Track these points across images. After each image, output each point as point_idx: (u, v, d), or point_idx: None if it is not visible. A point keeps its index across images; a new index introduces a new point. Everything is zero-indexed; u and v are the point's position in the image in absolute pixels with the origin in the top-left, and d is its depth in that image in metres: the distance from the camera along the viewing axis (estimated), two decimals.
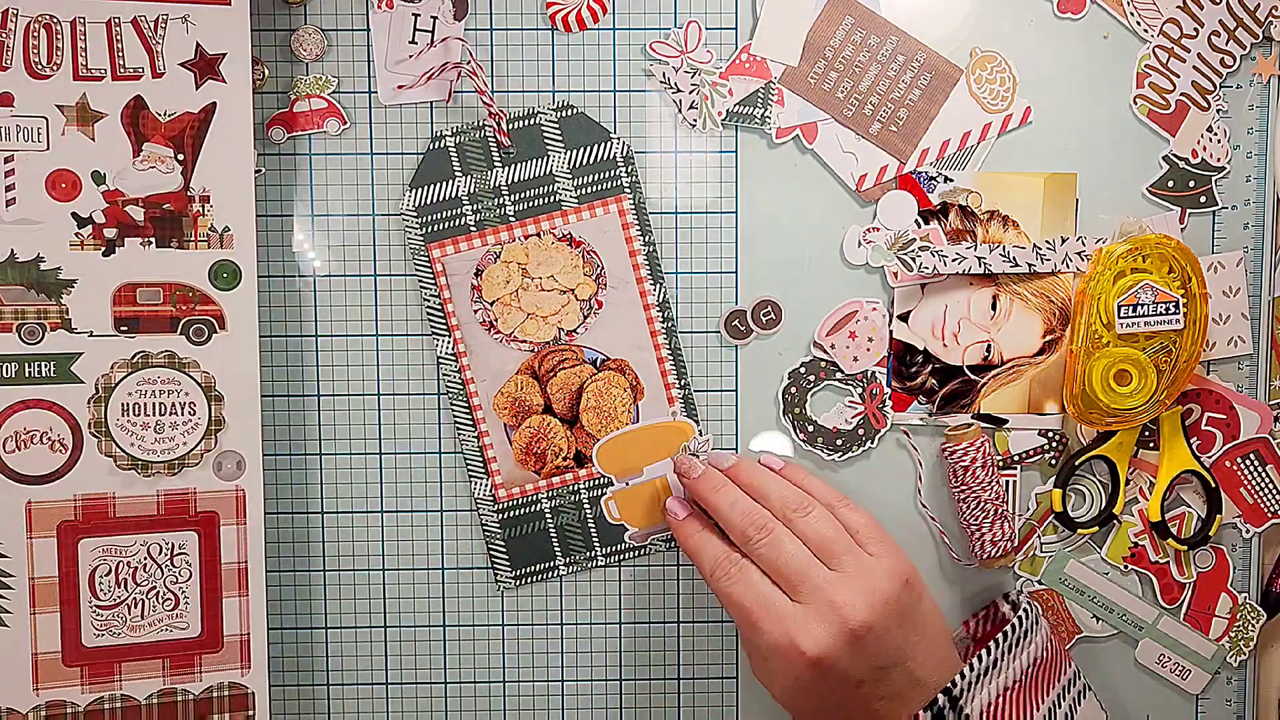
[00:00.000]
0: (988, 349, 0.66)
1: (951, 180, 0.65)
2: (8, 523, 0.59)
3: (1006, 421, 0.66)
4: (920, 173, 0.65)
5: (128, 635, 0.60)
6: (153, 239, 0.59)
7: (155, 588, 0.60)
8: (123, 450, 0.60)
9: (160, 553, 0.60)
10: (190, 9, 0.58)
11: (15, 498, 0.59)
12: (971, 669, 0.57)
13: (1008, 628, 0.60)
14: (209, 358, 0.60)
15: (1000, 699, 0.56)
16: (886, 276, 0.65)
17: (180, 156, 0.59)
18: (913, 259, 0.64)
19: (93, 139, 0.58)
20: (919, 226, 0.65)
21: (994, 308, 0.66)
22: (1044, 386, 0.66)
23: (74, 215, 0.59)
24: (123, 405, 0.59)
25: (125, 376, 0.59)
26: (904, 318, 0.66)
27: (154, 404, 0.60)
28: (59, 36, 0.57)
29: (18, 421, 0.59)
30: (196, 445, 0.60)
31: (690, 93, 0.64)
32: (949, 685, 0.56)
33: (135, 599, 0.60)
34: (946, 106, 0.64)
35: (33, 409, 0.59)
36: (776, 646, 0.55)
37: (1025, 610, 0.61)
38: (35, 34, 0.57)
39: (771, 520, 0.58)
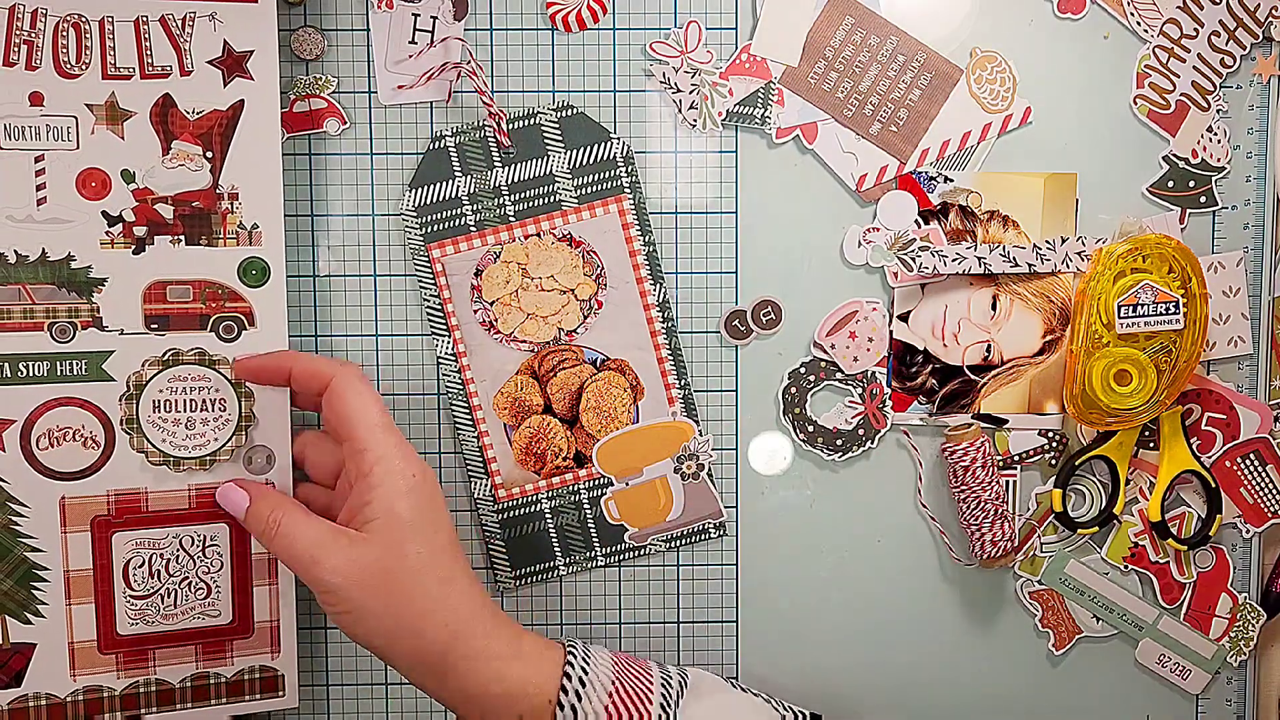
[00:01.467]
0: (988, 349, 0.66)
1: (951, 180, 0.65)
2: (42, 518, 0.60)
3: (1006, 421, 0.66)
4: (920, 173, 0.65)
5: (161, 623, 0.61)
6: (182, 236, 0.60)
7: (187, 578, 0.61)
8: (154, 446, 0.60)
9: (192, 544, 0.61)
10: (217, 7, 0.58)
11: (49, 493, 0.60)
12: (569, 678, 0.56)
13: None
14: (239, 354, 0.61)
15: (611, 698, 0.55)
16: (886, 276, 0.65)
17: (209, 154, 0.59)
18: (913, 259, 0.64)
19: (122, 138, 0.59)
20: (919, 226, 0.65)
21: (994, 308, 0.66)
22: (1044, 386, 0.66)
23: (104, 214, 0.59)
24: (154, 402, 0.60)
25: (156, 374, 0.60)
26: (904, 318, 0.66)
27: (185, 400, 0.60)
28: (87, 35, 0.58)
29: (51, 419, 0.59)
30: (227, 441, 0.61)
31: (690, 93, 0.64)
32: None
33: (168, 589, 0.61)
34: (946, 106, 0.64)
35: (65, 407, 0.59)
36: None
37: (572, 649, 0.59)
38: (64, 33, 0.57)
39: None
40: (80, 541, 0.60)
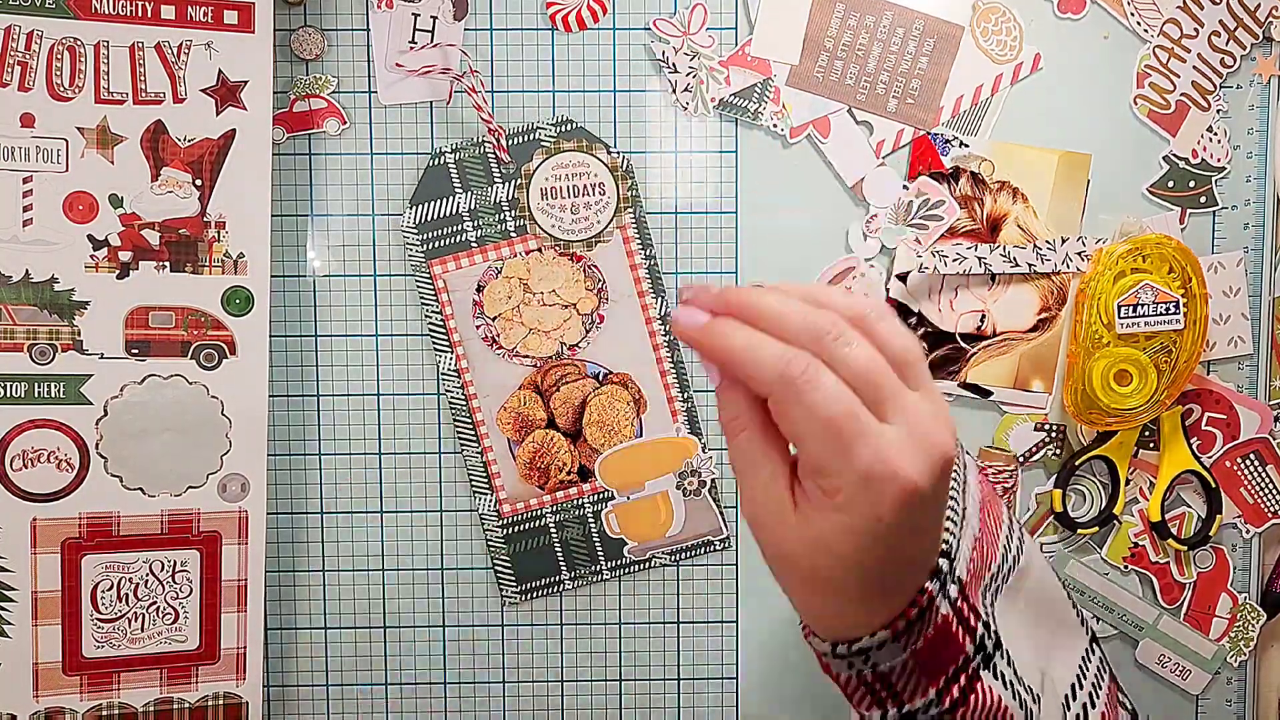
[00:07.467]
0: (981, 319, 0.66)
1: (967, 146, 0.65)
2: (12, 538, 0.59)
3: (991, 394, 0.66)
4: (936, 134, 0.65)
5: (127, 647, 0.61)
6: (167, 263, 0.59)
7: (156, 602, 0.61)
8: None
9: (162, 570, 0.61)
10: (214, 36, 0.58)
11: (20, 514, 0.59)
12: (953, 522, 0.47)
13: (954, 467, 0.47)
14: (218, 382, 0.60)
15: (974, 552, 0.48)
16: (896, 259, 0.65)
17: (198, 182, 0.59)
18: (925, 219, 0.64)
19: (112, 162, 0.58)
20: (906, 190, 0.64)
21: (993, 279, 0.65)
22: (1033, 363, 0.66)
23: (90, 237, 0.59)
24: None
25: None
26: (902, 278, 0.65)
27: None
28: (82, 59, 0.57)
29: (25, 440, 0.59)
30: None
31: (687, 75, 0.63)
32: (944, 546, 0.45)
33: (135, 613, 0.61)
34: (956, 65, 0.64)
35: (41, 429, 0.59)
36: (868, 474, 0.40)
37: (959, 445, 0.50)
38: (59, 56, 0.57)
39: (840, 321, 0.42)
40: (50, 563, 0.60)
